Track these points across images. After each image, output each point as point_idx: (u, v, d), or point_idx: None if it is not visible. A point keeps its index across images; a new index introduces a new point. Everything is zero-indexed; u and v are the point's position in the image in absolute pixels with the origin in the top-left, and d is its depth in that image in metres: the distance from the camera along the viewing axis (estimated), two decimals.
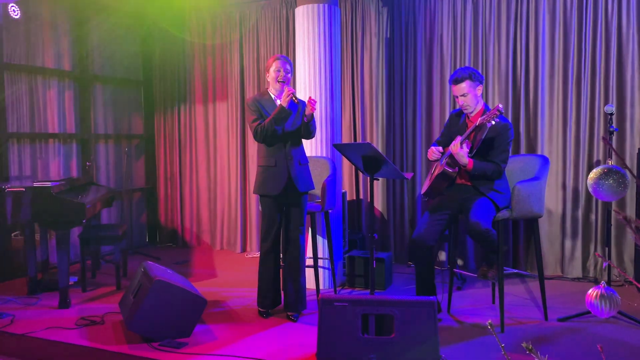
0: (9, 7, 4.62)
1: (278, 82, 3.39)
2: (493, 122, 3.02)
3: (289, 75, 3.42)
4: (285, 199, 3.44)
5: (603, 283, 1.57)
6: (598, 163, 4.24)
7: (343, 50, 5.03)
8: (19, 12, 4.70)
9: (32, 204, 3.66)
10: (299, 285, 3.46)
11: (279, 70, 3.38)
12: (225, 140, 5.71)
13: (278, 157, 3.38)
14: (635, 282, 1.54)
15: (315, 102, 3.33)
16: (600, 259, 3.87)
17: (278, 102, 3.38)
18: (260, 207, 3.54)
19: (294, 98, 3.25)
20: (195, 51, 5.83)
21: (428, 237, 3.18)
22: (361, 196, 5.08)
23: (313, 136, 3.50)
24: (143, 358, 2.88)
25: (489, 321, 1.22)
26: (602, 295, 1.46)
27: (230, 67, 5.65)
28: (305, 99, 4.10)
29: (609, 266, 3.18)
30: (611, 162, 1.64)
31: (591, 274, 4.30)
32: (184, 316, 3.13)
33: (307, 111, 3.32)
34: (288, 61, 3.41)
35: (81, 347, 3.04)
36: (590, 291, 1.46)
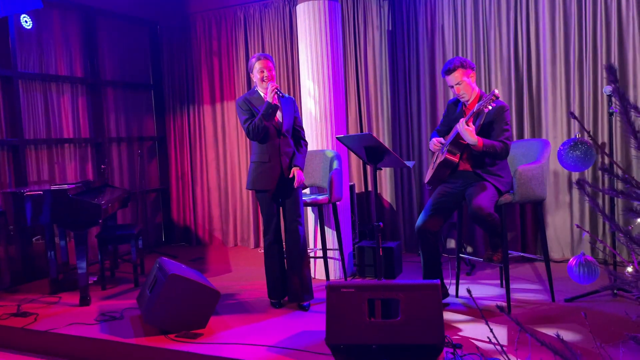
0: (22, 18, 4.79)
1: (263, 81, 3.48)
2: (490, 108, 3.08)
3: (273, 72, 3.51)
4: (279, 192, 3.54)
5: (582, 252, 1.63)
6: (603, 145, 4.26)
7: (346, 44, 5.10)
8: (30, 22, 4.86)
9: (50, 207, 3.81)
10: (302, 275, 3.54)
11: (262, 71, 3.47)
12: (235, 138, 5.82)
13: (272, 152, 3.48)
14: (619, 255, 1.59)
15: (302, 179, 3.51)
16: (588, 236, 3.90)
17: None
18: (257, 203, 3.64)
19: (278, 93, 3.35)
20: (202, 52, 5.95)
21: (431, 224, 3.25)
22: (369, 188, 5.15)
23: None
24: (160, 349, 2.99)
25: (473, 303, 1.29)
26: (580, 263, 1.52)
27: (236, 66, 5.76)
28: (312, 95, 4.21)
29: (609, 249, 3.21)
30: (579, 136, 1.69)
31: (600, 257, 4.33)
32: (198, 308, 3.25)
33: (296, 184, 3.50)
34: (269, 58, 3.51)
35: (101, 340, 3.17)
36: (571, 260, 1.53)
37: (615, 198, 3.40)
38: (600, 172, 4.26)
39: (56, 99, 5.15)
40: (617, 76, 0.95)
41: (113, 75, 5.75)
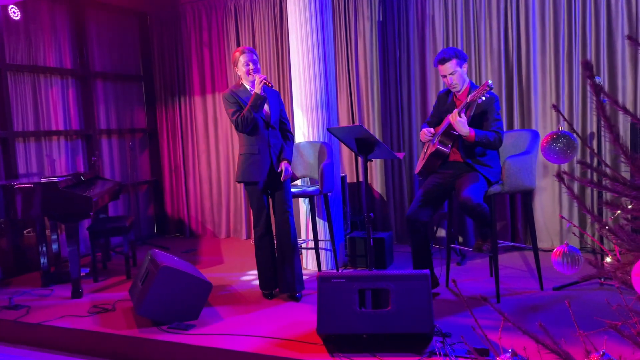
0: (9, 9, 4.73)
1: (249, 75, 3.47)
2: (483, 98, 3.09)
3: (258, 65, 3.51)
4: (269, 184, 3.55)
5: (566, 242, 1.67)
6: (592, 135, 4.30)
7: (337, 35, 5.10)
8: (18, 13, 4.81)
9: (41, 199, 3.79)
10: (293, 265, 3.56)
11: (247, 64, 3.46)
12: (226, 130, 5.81)
13: (260, 144, 3.48)
14: (601, 245, 1.63)
15: (289, 172, 3.53)
16: (571, 225, 3.95)
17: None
18: (246, 195, 3.64)
19: (267, 84, 3.36)
20: (192, 43, 5.91)
21: (421, 214, 3.28)
22: (361, 179, 5.17)
23: None
24: (153, 341, 3.01)
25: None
26: (564, 253, 1.55)
27: (227, 57, 5.74)
28: (303, 86, 4.21)
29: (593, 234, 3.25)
30: (561, 128, 1.71)
31: (589, 245, 4.38)
32: (190, 300, 3.26)
33: (283, 177, 3.52)
34: (253, 52, 3.50)
35: (94, 332, 3.18)
36: (555, 250, 1.56)
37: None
38: (601, 160, 4.30)
39: (45, 91, 5.11)
40: (593, 72, 0.97)
41: (103, 66, 5.71)
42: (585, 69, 0.92)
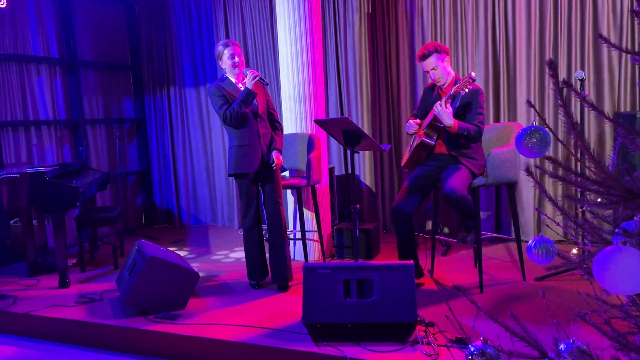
0: None
1: (235, 68, 3.46)
2: (466, 90, 3.13)
3: (242, 57, 3.51)
4: (260, 174, 3.56)
5: (541, 234, 1.71)
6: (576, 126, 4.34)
7: (326, 27, 5.09)
8: (4, 1, 4.76)
9: (27, 190, 3.78)
10: (285, 255, 3.60)
11: (233, 57, 3.45)
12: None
13: (250, 135, 3.49)
14: (573, 237, 1.68)
15: (281, 161, 3.55)
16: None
17: (239, 86, 3.48)
18: (237, 187, 3.65)
19: (261, 81, 3.38)
20: (182, 33, 5.89)
21: (407, 206, 3.32)
22: (350, 170, 5.19)
23: None
24: (140, 330, 3.03)
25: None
26: (538, 245, 1.60)
27: None
28: (292, 77, 4.21)
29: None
30: (535, 123, 1.73)
31: (571, 237, 4.43)
32: (177, 290, 3.28)
33: (275, 166, 3.54)
34: (237, 44, 3.49)
35: (81, 322, 3.19)
36: (529, 241, 1.61)
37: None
38: (571, 154, 4.35)
39: (32, 80, 5.07)
40: (557, 72, 0.99)
41: (90, 56, 5.67)
42: (549, 69, 0.94)
